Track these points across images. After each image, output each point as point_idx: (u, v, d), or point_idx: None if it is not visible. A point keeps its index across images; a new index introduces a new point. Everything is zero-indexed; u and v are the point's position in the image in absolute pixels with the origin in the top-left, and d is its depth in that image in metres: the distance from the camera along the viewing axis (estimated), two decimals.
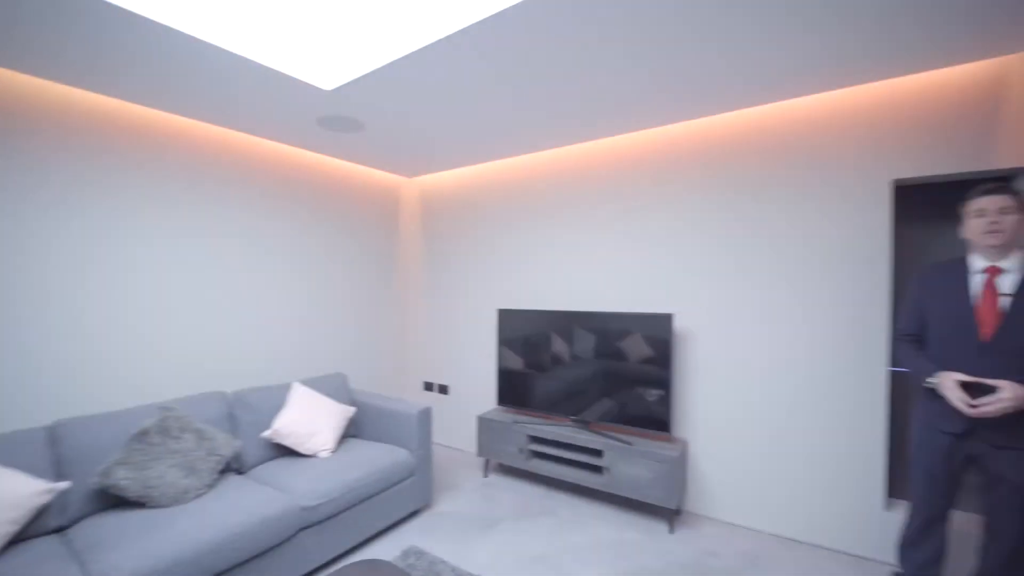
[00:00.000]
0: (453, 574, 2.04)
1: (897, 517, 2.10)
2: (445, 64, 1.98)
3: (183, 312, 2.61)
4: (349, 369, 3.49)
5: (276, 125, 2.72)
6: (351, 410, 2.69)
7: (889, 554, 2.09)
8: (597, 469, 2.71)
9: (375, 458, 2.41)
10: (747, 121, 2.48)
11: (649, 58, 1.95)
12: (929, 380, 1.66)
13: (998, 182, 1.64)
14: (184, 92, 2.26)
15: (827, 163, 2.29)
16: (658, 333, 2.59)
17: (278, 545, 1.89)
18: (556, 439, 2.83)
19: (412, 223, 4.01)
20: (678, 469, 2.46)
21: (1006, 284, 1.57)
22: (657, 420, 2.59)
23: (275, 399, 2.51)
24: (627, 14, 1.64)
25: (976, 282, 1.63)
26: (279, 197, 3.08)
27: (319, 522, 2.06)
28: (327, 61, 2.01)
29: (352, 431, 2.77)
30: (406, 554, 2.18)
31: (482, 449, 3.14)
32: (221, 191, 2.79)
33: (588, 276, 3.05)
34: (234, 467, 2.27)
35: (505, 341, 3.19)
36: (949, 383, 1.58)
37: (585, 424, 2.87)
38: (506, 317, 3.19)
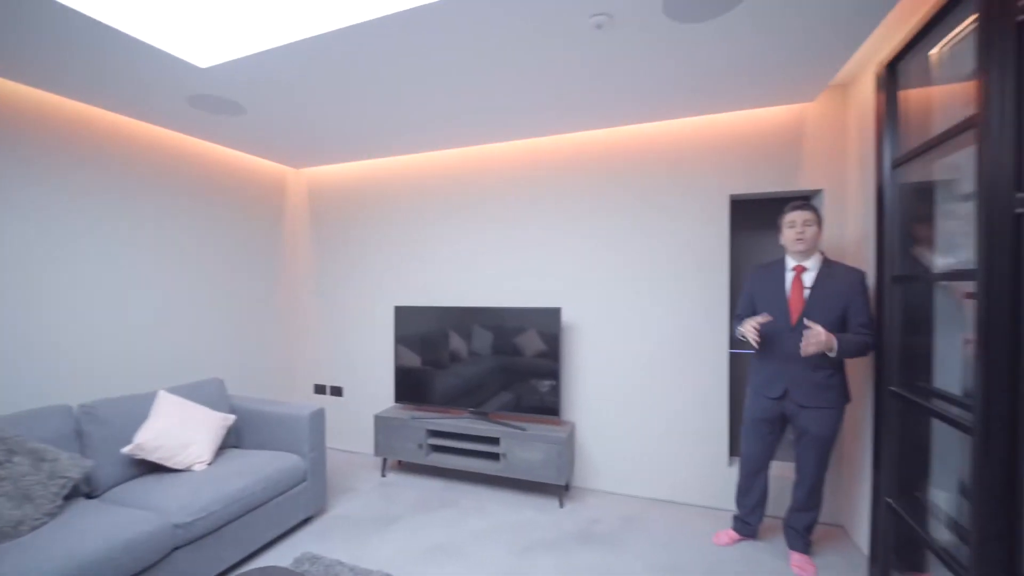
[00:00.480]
0: (351, 573, 2.01)
1: (734, 471, 2.57)
2: (333, 57, 1.94)
3: (17, 314, 2.16)
4: (228, 374, 3.17)
5: (143, 103, 2.41)
6: (230, 418, 2.47)
7: (728, 500, 2.56)
8: (495, 456, 2.86)
9: (261, 466, 2.26)
10: (624, 137, 2.82)
11: (526, 77, 2.13)
12: (740, 334, 2.08)
13: (803, 200, 2.11)
14: (32, 59, 1.90)
15: (685, 178, 2.71)
16: (548, 326, 2.82)
17: (148, 569, 1.69)
18: (455, 431, 2.91)
19: (299, 217, 3.78)
20: (567, 449, 2.70)
21: (808, 279, 2.03)
22: (548, 406, 2.82)
23: (136, 410, 2.21)
24: (507, 40, 1.78)
25: (788, 278, 2.07)
26: (144, 183, 2.70)
27: (197, 538, 1.88)
28: (206, 38, 1.85)
29: (233, 441, 2.55)
30: (299, 561, 2.09)
31: (380, 448, 3.09)
32: (74, 173, 2.38)
33: (484, 273, 3.18)
34: (84, 491, 1.96)
35: (402, 338, 3.18)
36: (747, 325, 2.01)
37: (484, 415, 2.99)
38: (403, 314, 3.18)
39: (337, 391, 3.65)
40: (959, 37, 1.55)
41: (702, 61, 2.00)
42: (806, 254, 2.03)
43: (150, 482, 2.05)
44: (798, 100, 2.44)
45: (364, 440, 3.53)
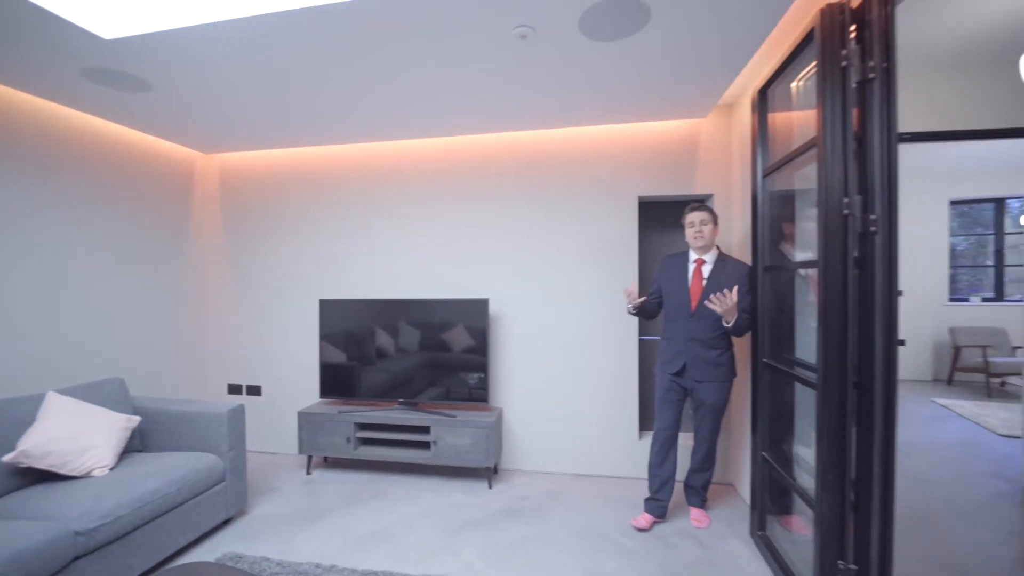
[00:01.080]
0: (279, 567, 1.98)
1: (643, 444, 2.89)
2: (248, 41, 1.90)
3: None
4: (130, 375, 2.89)
5: (36, 75, 2.18)
6: (134, 419, 2.30)
7: (640, 470, 2.86)
8: (425, 445, 2.92)
9: (174, 467, 2.13)
10: (547, 140, 3.03)
11: (452, 78, 2.25)
12: (628, 307, 2.36)
13: (700, 202, 2.43)
14: None
15: (599, 179, 2.98)
16: (476, 317, 2.94)
17: None
18: (385, 423, 2.93)
19: (210, 205, 3.54)
20: (495, 433, 2.85)
21: (706, 271, 2.33)
22: (477, 393, 2.95)
23: (20, 414, 1.99)
24: (434, 42, 1.89)
25: (690, 269, 2.37)
26: (34, 164, 2.40)
27: (102, 546, 1.74)
28: (112, 8, 1.73)
29: (138, 445, 2.36)
30: (222, 560, 2.01)
31: (304, 446, 3.01)
32: None
33: (412, 266, 3.22)
34: None
35: (328, 331, 3.13)
36: (633, 298, 2.29)
37: (413, 404, 3.04)
38: (329, 308, 3.13)
39: (255, 390, 3.47)
40: (809, 74, 1.92)
41: (612, 76, 2.25)
42: (704, 249, 2.33)
43: (42, 491, 1.86)
44: (693, 116, 2.80)
45: (286, 440, 3.40)
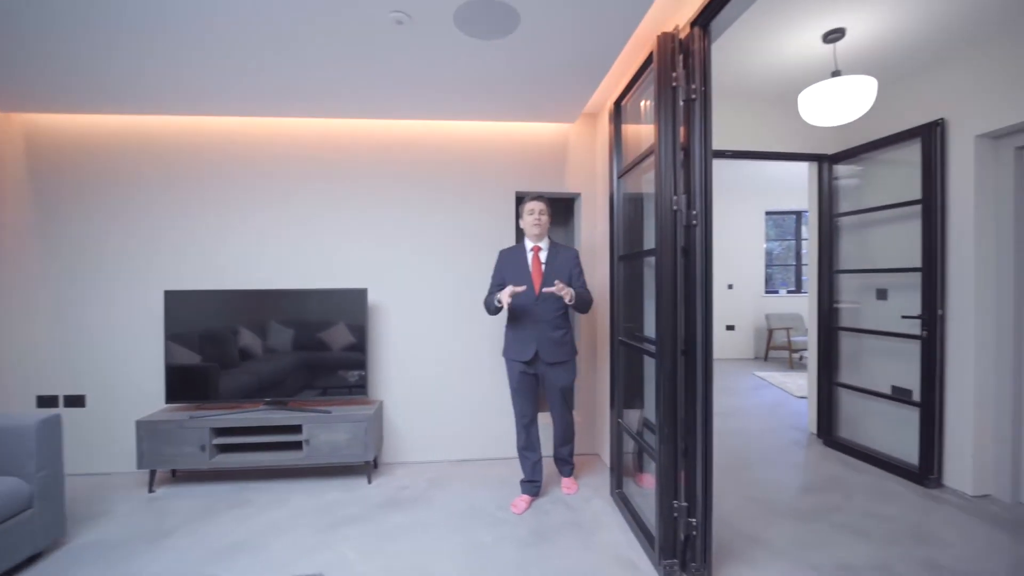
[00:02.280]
0: None
1: None
2: None
3: None
4: None
5: None
6: None
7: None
8: (296, 445, 2.74)
9: None
10: (430, 131, 3.05)
11: (323, 58, 2.18)
12: (497, 301, 2.32)
13: (539, 194, 2.51)
14: None
15: (479, 173, 3.10)
16: (354, 307, 2.85)
17: None
18: (249, 425, 2.69)
19: (10, 178, 2.88)
20: (374, 425, 2.78)
21: (543, 257, 2.47)
22: (355, 385, 2.86)
23: None
24: (301, 17, 1.82)
25: (529, 257, 2.47)
26: None
27: None
28: None
29: None
30: None
31: (146, 459, 2.62)
32: None
33: (281, 256, 2.99)
34: None
35: (177, 328, 2.76)
36: (504, 293, 2.26)
37: (282, 403, 2.83)
38: (177, 300, 2.76)
39: (76, 401, 2.91)
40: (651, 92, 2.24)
41: (487, 74, 2.37)
42: (540, 237, 2.47)
43: None
44: (564, 120, 3.06)
45: (121, 456, 2.92)
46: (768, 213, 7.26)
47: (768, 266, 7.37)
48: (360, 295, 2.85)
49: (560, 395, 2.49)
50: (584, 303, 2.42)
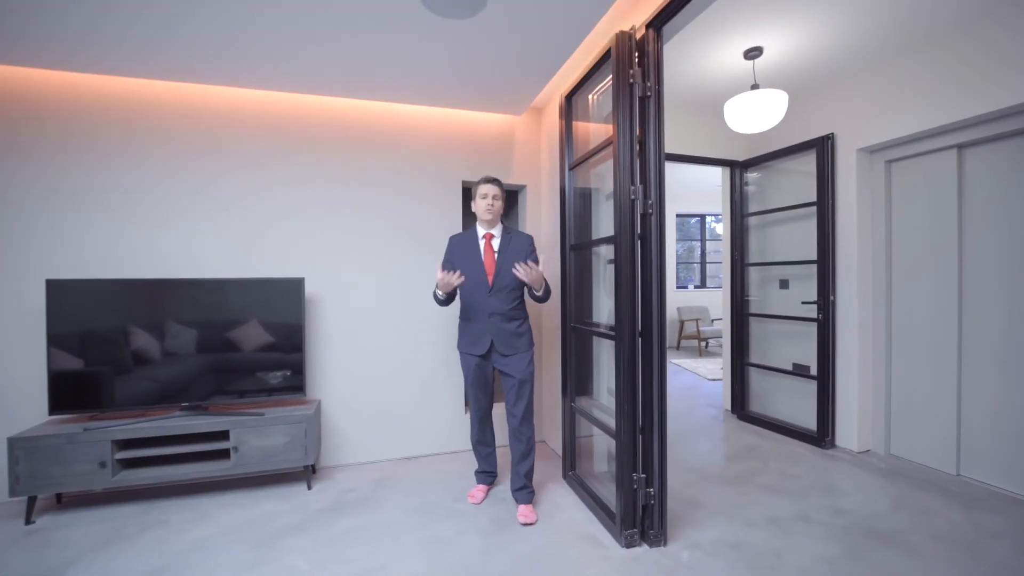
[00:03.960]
0: None
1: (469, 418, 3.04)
2: None
3: None
4: None
5: None
6: None
7: (469, 443, 2.99)
8: (223, 454, 2.45)
9: None
10: (374, 112, 2.89)
11: (263, 19, 2.00)
12: (436, 292, 2.24)
13: (492, 176, 2.34)
14: None
15: (424, 160, 3.01)
16: (289, 298, 2.61)
17: None
18: (162, 434, 2.34)
19: None
20: (312, 427, 2.57)
21: (495, 244, 2.30)
22: (290, 387, 2.62)
23: None
24: None
25: (481, 245, 2.31)
26: None
27: None
28: None
29: None
30: None
31: (21, 485, 2.17)
32: None
33: (202, 241, 2.65)
34: None
35: (64, 324, 2.32)
36: (441, 277, 2.10)
37: (203, 408, 2.51)
38: (63, 291, 2.32)
39: None
40: (603, 88, 2.35)
41: (447, 56, 2.31)
42: (492, 223, 2.32)
43: None
44: (511, 113, 3.09)
45: None
46: (678, 215, 7.95)
47: (677, 263, 8.08)
48: (296, 285, 2.62)
49: (517, 387, 2.26)
50: (545, 292, 2.26)
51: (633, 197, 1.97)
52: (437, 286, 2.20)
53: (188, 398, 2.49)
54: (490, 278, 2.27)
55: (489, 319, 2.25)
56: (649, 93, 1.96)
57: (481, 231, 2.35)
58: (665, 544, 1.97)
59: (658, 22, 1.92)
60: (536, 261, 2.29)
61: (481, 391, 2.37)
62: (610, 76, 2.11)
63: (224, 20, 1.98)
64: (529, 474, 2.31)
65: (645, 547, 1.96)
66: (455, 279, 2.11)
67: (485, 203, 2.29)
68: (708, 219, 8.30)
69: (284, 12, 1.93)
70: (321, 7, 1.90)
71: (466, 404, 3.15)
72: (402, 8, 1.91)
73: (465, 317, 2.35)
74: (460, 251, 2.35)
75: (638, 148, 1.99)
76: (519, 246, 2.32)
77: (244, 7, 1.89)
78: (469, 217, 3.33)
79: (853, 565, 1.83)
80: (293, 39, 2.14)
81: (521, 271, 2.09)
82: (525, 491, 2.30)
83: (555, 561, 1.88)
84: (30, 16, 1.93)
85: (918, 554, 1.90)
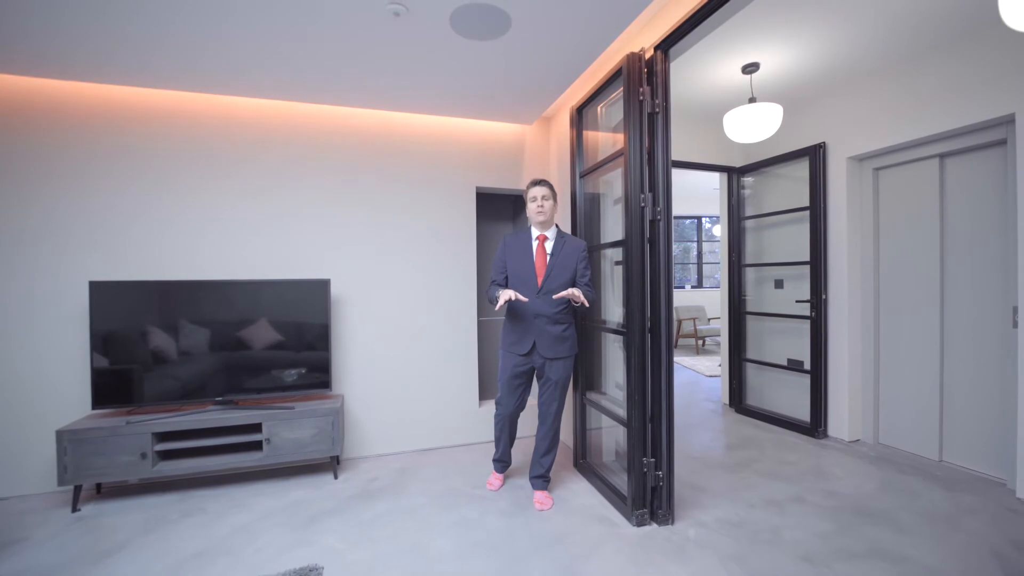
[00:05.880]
0: None
1: (483, 411, 3.21)
2: None
3: None
4: None
5: None
6: None
7: (483, 435, 3.16)
8: (256, 445, 2.60)
9: None
10: (397, 122, 3.05)
11: (313, 42, 2.15)
12: (493, 294, 2.31)
13: (542, 179, 2.38)
14: None
15: (442, 168, 3.17)
16: (316, 298, 2.76)
17: None
18: (199, 427, 2.48)
19: None
20: (339, 420, 2.72)
21: (548, 247, 2.35)
22: (318, 382, 2.77)
23: None
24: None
25: (534, 246, 2.37)
26: None
27: None
28: None
29: None
30: None
31: (70, 474, 2.30)
32: None
33: (234, 245, 2.80)
34: None
35: (106, 323, 2.45)
36: (504, 293, 2.18)
37: (233, 403, 2.66)
38: (106, 292, 2.45)
39: None
40: (613, 100, 2.52)
41: (470, 72, 2.48)
42: (545, 225, 2.35)
43: None
44: (523, 122, 3.26)
45: (29, 477, 2.51)
46: (676, 217, 8.16)
47: (675, 264, 8.30)
48: (323, 286, 2.77)
49: (555, 390, 2.33)
50: (590, 299, 2.28)
51: (643, 204, 2.14)
52: (497, 294, 2.24)
53: (220, 393, 2.63)
54: (539, 280, 2.30)
55: (535, 320, 2.27)
56: (657, 110, 2.14)
57: (535, 233, 2.39)
58: (673, 523, 2.14)
59: (666, 45, 2.10)
60: (587, 268, 2.34)
61: (515, 393, 2.37)
62: (619, 89, 2.29)
63: (283, 48, 2.13)
64: (550, 466, 2.44)
65: (655, 525, 2.14)
66: (515, 297, 2.17)
67: (535, 205, 2.33)
68: (704, 221, 8.51)
69: (342, 39, 2.09)
70: (369, 28, 2.05)
71: (480, 399, 3.31)
72: (434, 32, 2.07)
73: (511, 316, 2.36)
74: (513, 250, 2.38)
75: (647, 159, 2.16)
76: (572, 251, 2.33)
77: (293, 30, 2.04)
78: (483, 221, 3.50)
79: (844, 539, 2.02)
80: (345, 61, 2.30)
81: (568, 292, 2.15)
82: (542, 479, 2.42)
83: (574, 538, 2.05)
84: (52, 32, 2.08)
85: (903, 529, 2.09)
